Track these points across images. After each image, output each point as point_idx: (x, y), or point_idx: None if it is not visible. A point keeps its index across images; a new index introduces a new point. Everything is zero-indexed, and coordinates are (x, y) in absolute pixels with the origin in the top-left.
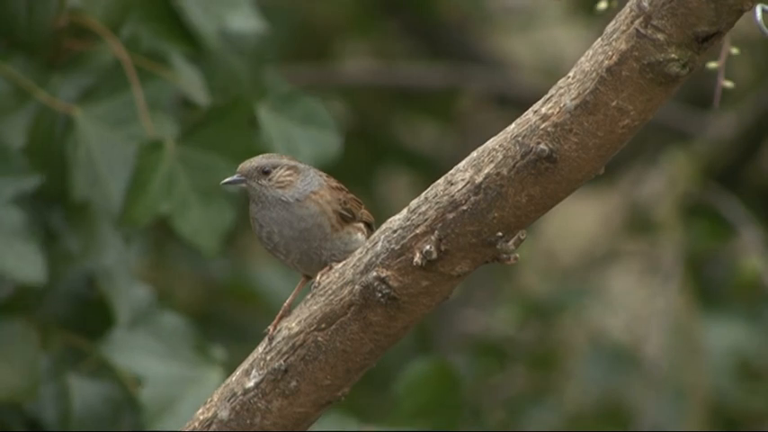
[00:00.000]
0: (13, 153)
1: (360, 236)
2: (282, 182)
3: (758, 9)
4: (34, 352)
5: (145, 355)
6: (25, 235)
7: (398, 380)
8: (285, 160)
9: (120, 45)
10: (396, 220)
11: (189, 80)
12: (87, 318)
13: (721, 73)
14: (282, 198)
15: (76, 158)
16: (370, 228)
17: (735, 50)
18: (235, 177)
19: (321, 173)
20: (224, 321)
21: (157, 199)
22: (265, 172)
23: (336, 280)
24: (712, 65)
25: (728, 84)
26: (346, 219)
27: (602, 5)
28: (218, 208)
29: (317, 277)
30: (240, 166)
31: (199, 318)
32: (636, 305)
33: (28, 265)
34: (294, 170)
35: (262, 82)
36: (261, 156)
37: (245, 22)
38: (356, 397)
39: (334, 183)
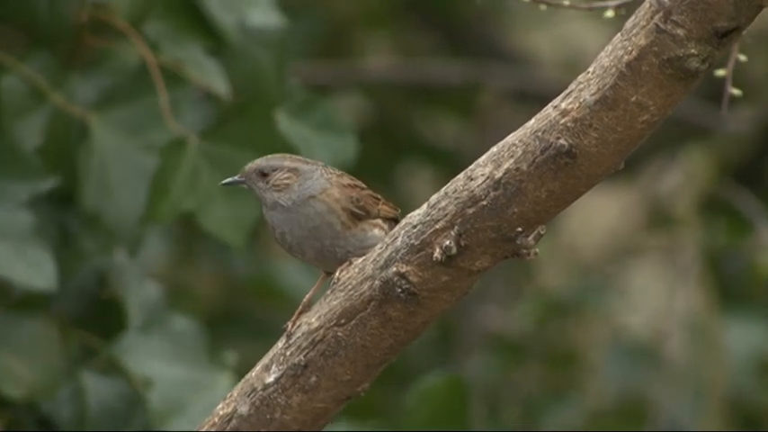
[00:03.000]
0: (26, 156)
1: (377, 231)
2: (279, 185)
3: None
4: (55, 350)
5: (155, 358)
6: (36, 240)
7: (410, 391)
8: (287, 162)
9: (145, 44)
10: (416, 216)
11: (210, 74)
12: (98, 316)
13: (729, 80)
14: (280, 201)
15: (89, 168)
16: (397, 222)
17: (743, 57)
18: (235, 178)
19: (332, 171)
20: (245, 317)
21: (181, 196)
22: (264, 174)
23: (356, 275)
24: (720, 72)
25: (736, 91)
26: (359, 216)
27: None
28: (242, 202)
29: (337, 272)
30: (244, 167)
31: (220, 314)
32: (656, 301)
33: (38, 271)
34: (294, 173)
35: (284, 84)
36: (264, 157)
37: (265, 16)
38: (376, 394)
39: (346, 180)
